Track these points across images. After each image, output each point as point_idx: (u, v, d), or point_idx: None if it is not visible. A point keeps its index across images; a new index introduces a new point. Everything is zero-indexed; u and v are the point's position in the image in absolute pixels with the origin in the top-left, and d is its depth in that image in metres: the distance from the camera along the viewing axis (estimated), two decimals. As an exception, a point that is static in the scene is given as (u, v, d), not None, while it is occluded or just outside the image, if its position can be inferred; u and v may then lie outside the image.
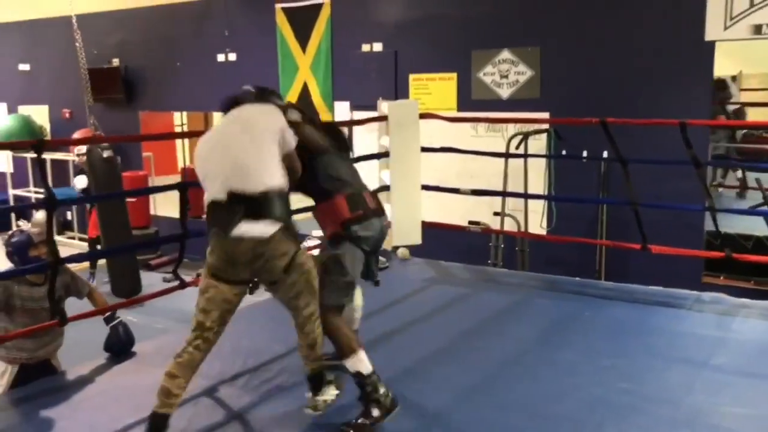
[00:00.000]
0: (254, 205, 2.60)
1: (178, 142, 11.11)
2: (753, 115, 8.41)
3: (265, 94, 3.02)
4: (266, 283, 2.82)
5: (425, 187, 5.43)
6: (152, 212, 9.41)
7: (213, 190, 2.68)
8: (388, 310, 4.49)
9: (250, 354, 3.69)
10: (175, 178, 9.88)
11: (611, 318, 4.20)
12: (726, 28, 5.42)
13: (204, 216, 2.74)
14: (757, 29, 5.31)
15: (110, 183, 7.15)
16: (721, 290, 5.05)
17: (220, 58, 8.61)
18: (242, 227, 2.59)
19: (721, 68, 7.84)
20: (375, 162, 5.61)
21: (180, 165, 10.93)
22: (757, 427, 2.75)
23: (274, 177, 2.68)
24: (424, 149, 5.34)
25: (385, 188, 5.30)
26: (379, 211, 3.08)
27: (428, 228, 5.46)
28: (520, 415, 3.02)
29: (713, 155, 7.36)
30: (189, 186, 3.93)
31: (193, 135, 13.04)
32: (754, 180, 7.24)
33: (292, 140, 2.81)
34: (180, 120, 9.99)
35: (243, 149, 2.69)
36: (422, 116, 5.39)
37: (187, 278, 4.20)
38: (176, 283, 4.06)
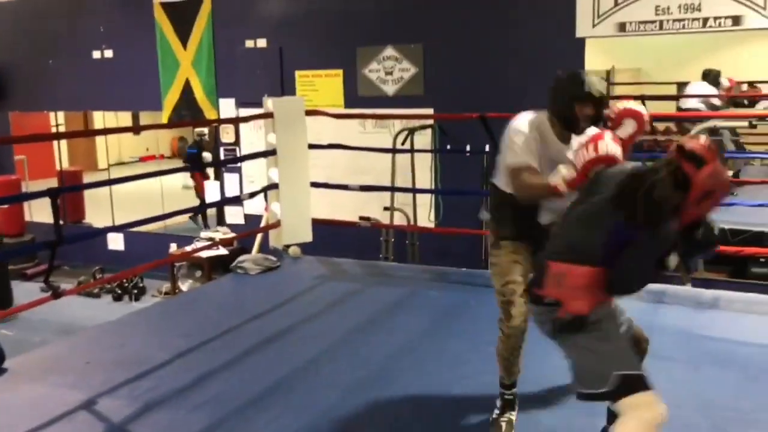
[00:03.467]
0: None
1: (55, 143, 10.51)
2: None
3: None
4: None
5: (314, 185, 5.41)
6: (27, 218, 8.86)
7: None
8: (279, 309, 4.46)
9: (133, 363, 3.55)
10: (53, 182, 9.37)
11: (495, 306, 4.33)
12: (594, 25, 5.72)
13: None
14: (622, 27, 5.63)
15: None
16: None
17: (96, 54, 8.22)
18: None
19: (596, 63, 8.28)
20: (263, 160, 5.54)
21: (57, 167, 10.35)
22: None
23: None
24: (311, 146, 5.32)
25: (274, 186, 5.25)
26: None
27: (319, 225, 5.45)
28: (409, 407, 3.07)
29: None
30: (62, 191, 3.74)
31: (71, 136, 12.39)
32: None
33: None
34: (55, 120, 9.45)
35: None
36: (308, 113, 5.37)
37: (68, 287, 3.99)
38: (49, 293, 3.84)
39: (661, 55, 8.52)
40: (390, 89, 6.62)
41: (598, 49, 6.65)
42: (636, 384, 2.07)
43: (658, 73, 9.17)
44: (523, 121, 2.64)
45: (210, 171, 9.00)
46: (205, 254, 6.65)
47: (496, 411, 2.86)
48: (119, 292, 7.64)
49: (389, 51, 6.58)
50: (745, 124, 7.26)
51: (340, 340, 3.91)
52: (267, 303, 4.53)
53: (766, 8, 5.21)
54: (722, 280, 5.20)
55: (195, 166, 9.02)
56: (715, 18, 5.39)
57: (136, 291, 7.68)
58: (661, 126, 8.44)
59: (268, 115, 5.16)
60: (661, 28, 5.53)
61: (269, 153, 5.22)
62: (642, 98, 8.07)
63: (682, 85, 8.97)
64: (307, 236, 5.30)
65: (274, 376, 3.40)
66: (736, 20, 5.32)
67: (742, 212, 5.21)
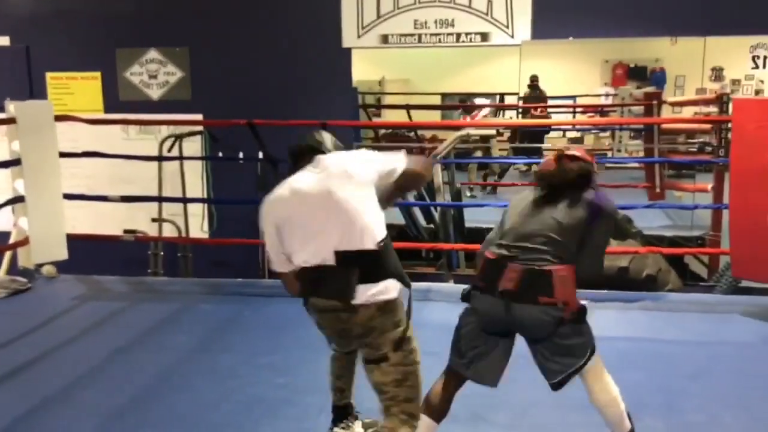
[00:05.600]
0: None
1: None
2: (392, 116, 9.35)
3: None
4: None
5: (68, 196, 4.98)
6: None
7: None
8: (29, 335, 4.03)
9: None
10: None
11: (269, 315, 4.30)
12: (359, 36, 5.91)
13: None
14: (385, 39, 5.88)
15: None
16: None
17: None
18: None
19: (368, 73, 8.57)
20: (7, 171, 4.98)
21: None
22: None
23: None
24: (63, 154, 4.89)
25: (20, 199, 4.73)
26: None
27: (76, 240, 5.01)
28: (175, 429, 2.91)
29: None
30: None
31: None
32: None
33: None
34: None
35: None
36: (59, 118, 4.93)
37: None
38: None
39: (427, 66, 9.06)
40: (155, 93, 6.29)
41: (370, 60, 6.89)
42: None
43: (425, 83, 9.73)
44: None
45: None
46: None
47: None
48: None
49: (153, 54, 6.25)
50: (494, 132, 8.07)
51: (101, 364, 3.62)
52: (15, 330, 4.08)
53: (509, 27, 5.74)
54: (481, 276, 5.60)
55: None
56: (467, 34, 5.82)
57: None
58: (428, 134, 8.99)
59: (10, 121, 4.65)
60: (420, 41, 5.86)
61: (13, 163, 4.70)
62: (407, 107, 8.62)
63: (445, 96, 9.65)
64: (62, 254, 4.86)
65: (19, 410, 3.05)
66: (485, 36, 5.80)
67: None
